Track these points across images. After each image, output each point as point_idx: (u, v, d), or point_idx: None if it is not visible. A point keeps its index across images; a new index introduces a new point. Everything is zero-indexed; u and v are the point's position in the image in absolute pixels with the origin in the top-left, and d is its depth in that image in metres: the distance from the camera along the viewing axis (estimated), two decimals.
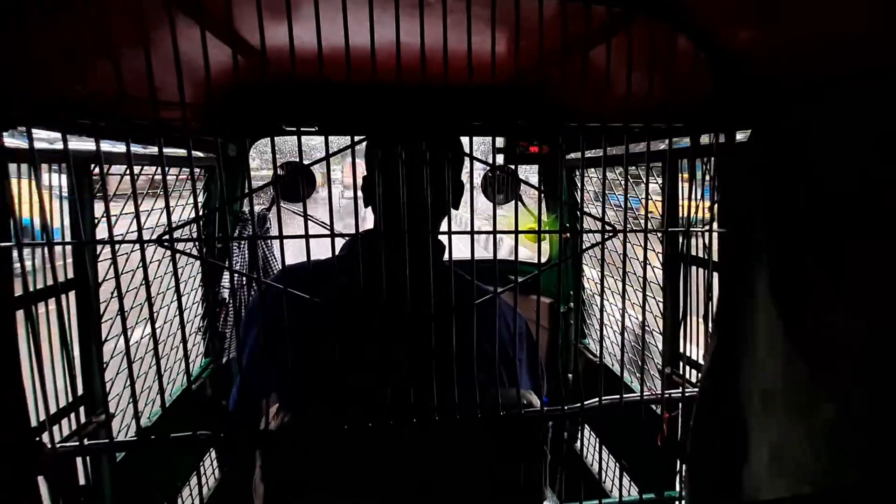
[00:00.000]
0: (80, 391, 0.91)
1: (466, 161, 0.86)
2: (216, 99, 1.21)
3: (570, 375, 1.83)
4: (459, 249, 0.80)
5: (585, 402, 0.93)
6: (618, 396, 0.93)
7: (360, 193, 0.92)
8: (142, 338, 0.97)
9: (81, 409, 0.93)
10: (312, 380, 0.83)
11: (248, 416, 0.90)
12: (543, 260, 1.91)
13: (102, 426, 0.92)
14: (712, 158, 0.87)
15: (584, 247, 0.83)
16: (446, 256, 0.91)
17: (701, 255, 0.99)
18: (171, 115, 0.88)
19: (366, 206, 0.87)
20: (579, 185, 1.60)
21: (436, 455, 0.84)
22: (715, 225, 0.87)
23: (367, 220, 0.90)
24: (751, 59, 0.77)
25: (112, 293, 0.92)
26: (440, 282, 0.80)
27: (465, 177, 0.91)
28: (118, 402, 1.00)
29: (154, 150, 1.11)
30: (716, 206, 0.86)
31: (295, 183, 1.25)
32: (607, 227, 0.82)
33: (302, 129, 0.81)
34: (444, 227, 0.88)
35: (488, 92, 1.12)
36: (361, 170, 0.91)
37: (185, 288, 1.28)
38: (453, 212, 0.85)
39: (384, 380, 0.80)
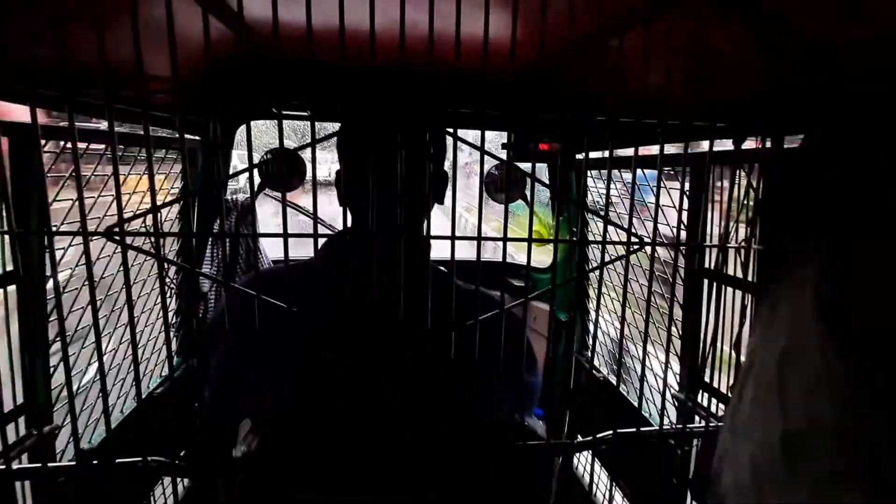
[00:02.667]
0: (20, 400, 0.80)
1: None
2: (198, 75, 1.09)
3: (571, 390, 1.71)
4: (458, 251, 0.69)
5: (598, 435, 0.82)
6: (634, 430, 0.82)
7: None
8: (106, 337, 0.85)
9: (21, 420, 0.81)
10: (291, 396, 0.73)
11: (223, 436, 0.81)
12: (549, 265, 1.80)
13: (45, 443, 0.80)
14: (755, 165, 0.77)
15: (605, 259, 0.72)
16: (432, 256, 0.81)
17: (731, 273, 0.88)
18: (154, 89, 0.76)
19: (341, 205, 0.74)
20: (604, 187, 1.45)
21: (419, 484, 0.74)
22: (754, 241, 0.77)
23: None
24: (824, 52, 0.66)
25: (63, 288, 0.81)
26: (434, 287, 0.70)
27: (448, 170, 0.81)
28: (64, 414, 0.87)
29: (121, 127, 0.99)
30: (757, 219, 0.75)
31: (279, 172, 1.13)
32: (633, 240, 0.72)
33: (292, 112, 0.70)
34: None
35: (500, 81, 1.00)
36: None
37: (152, 286, 1.15)
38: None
39: (369, 395, 0.70)
